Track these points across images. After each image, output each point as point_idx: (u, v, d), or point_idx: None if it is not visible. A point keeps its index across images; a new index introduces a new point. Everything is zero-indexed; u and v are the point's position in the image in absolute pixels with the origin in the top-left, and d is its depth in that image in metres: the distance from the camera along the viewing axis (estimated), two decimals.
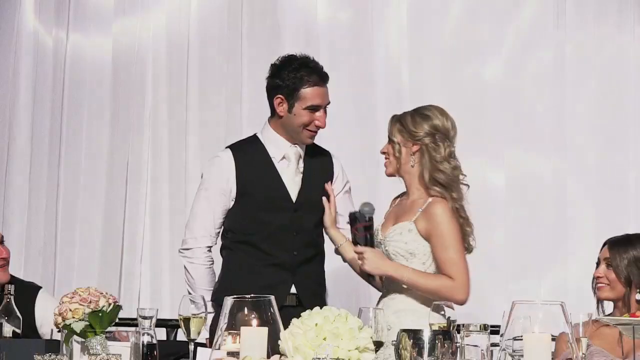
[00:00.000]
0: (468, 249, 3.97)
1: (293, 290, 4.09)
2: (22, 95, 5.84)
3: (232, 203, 4.13)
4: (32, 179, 5.78)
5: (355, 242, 3.94)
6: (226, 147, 4.23)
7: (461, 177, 3.98)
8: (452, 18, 5.66)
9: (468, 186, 3.99)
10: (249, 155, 4.15)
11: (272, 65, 4.17)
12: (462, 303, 3.87)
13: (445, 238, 3.86)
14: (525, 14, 5.63)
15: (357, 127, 5.61)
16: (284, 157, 4.14)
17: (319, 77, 4.09)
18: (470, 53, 5.62)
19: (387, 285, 3.98)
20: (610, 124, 5.52)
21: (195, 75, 5.77)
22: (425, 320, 3.72)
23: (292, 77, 4.05)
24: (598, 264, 3.97)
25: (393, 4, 5.70)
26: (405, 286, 3.88)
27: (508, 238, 5.48)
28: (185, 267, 4.17)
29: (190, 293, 4.07)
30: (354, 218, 3.94)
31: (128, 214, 5.74)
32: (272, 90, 4.11)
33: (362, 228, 3.90)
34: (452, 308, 3.74)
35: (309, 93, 4.06)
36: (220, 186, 4.12)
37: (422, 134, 3.93)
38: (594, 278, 3.97)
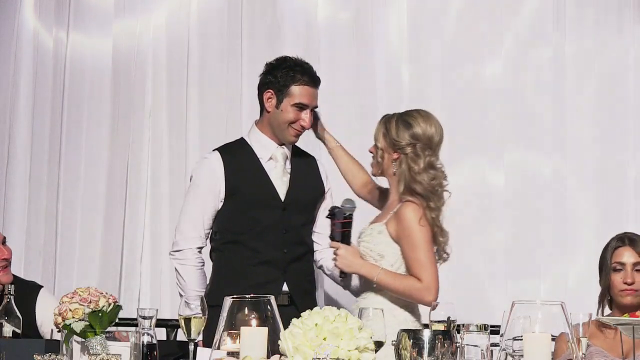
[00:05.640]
0: (442, 257, 4.00)
1: (285, 288, 4.10)
2: (22, 95, 5.84)
3: (220, 204, 4.16)
4: (32, 179, 5.78)
5: (331, 237, 3.95)
6: (213, 150, 4.27)
7: (444, 183, 3.98)
8: (452, 18, 5.66)
9: (450, 193, 4.00)
10: (237, 156, 4.19)
11: (267, 63, 4.23)
12: (429, 304, 3.91)
13: (414, 240, 3.89)
14: (525, 14, 5.63)
15: (357, 126, 5.60)
16: (271, 158, 4.19)
17: (310, 78, 4.16)
18: (470, 53, 5.62)
19: (360, 285, 4.01)
20: (610, 124, 5.52)
21: (195, 75, 5.77)
22: (395, 320, 3.78)
23: (285, 74, 4.13)
24: (618, 268, 3.87)
25: (393, 4, 5.70)
26: (375, 286, 3.91)
27: (508, 238, 5.48)
28: (176, 269, 4.18)
29: (181, 295, 4.07)
30: (333, 213, 3.95)
31: (128, 214, 5.74)
32: (264, 85, 4.19)
33: (340, 224, 3.92)
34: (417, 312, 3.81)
35: (298, 91, 4.12)
36: (210, 187, 4.16)
37: (404, 144, 3.96)
38: (608, 286, 3.86)
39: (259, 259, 4.09)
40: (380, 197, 4.25)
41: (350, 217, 3.96)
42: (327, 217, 4.02)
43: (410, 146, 3.95)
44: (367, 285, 3.98)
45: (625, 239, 3.92)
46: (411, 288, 3.88)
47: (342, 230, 3.94)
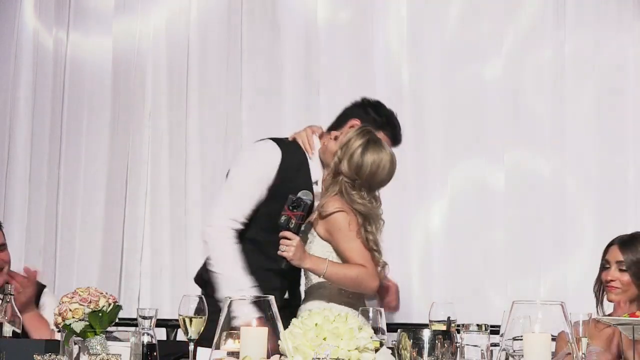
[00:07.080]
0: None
1: (286, 296, 4.08)
2: (22, 95, 5.85)
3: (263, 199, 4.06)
4: (32, 179, 5.79)
5: (286, 227, 3.88)
6: (271, 139, 4.12)
7: (379, 212, 3.97)
8: (452, 18, 5.66)
9: (383, 221, 3.99)
10: (294, 159, 4.09)
11: (363, 98, 4.16)
12: (374, 290, 3.94)
13: (347, 232, 3.88)
14: (525, 14, 5.63)
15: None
16: (316, 182, 4.10)
17: (395, 137, 4.14)
18: (470, 53, 5.62)
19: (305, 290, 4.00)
20: (609, 124, 5.52)
21: (195, 75, 5.77)
22: None
23: (379, 117, 4.09)
24: (606, 266, 3.94)
25: (393, 4, 5.70)
26: (319, 280, 3.88)
27: (508, 238, 5.48)
28: (211, 244, 4.00)
29: (215, 272, 3.95)
30: (297, 204, 3.89)
31: (128, 214, 5.74)
32: (354, 114, 4.12)
33: (300, 216, 3.88)
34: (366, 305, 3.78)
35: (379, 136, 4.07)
36: (265, 176, 4.02)
37: (344, 172, 3.92)
38: (600, 281, 3.94)
39: (271, 267, 4.00)
40: None
41: (309, 209, 3.93)
42: (289, 206, 3.92)
43: (349, 179, 3.92)
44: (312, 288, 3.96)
45: (618, 238, 3.98)
46: (363, 274, 3.86)
47: (300, 222, 3.90)
